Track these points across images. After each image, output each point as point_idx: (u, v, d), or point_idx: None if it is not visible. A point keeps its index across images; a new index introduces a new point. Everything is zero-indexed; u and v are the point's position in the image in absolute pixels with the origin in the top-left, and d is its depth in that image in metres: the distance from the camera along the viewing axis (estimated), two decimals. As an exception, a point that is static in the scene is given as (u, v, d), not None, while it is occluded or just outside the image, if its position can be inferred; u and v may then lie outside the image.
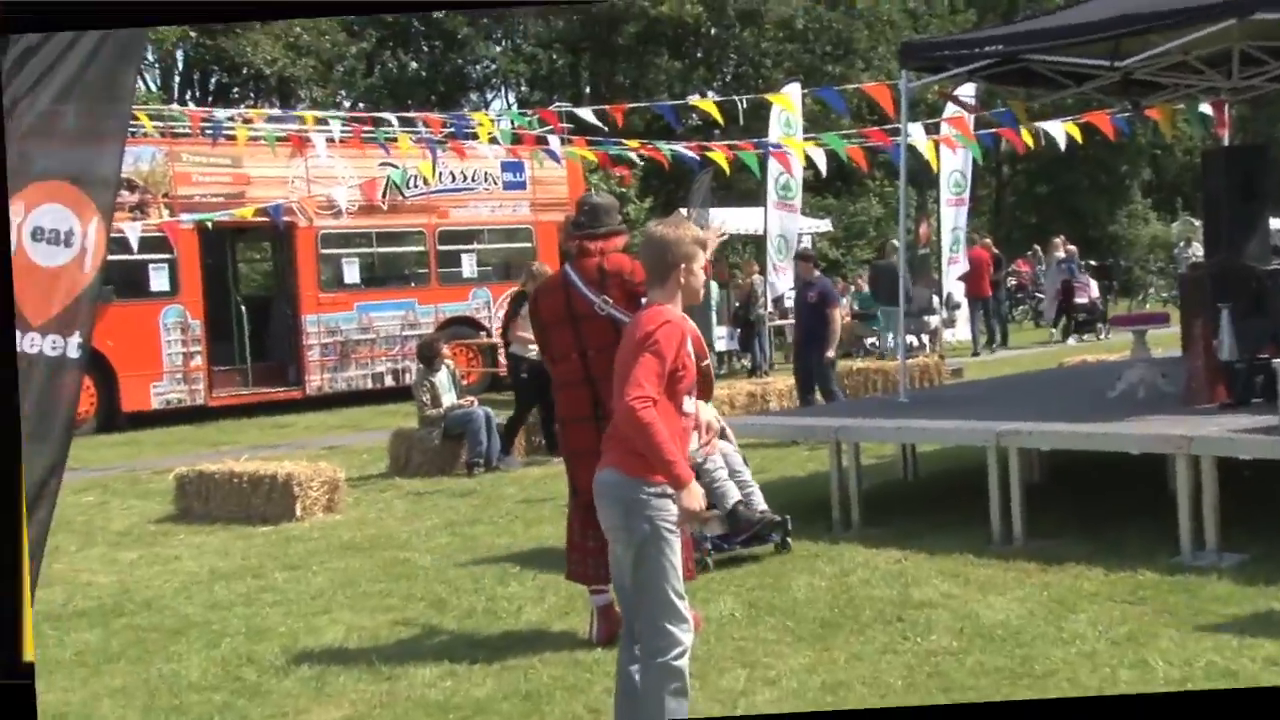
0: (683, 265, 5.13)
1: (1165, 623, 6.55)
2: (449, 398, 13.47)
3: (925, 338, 23.55)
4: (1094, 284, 27.32)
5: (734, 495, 8.28)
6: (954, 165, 22.21)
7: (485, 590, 8.10)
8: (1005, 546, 8.34)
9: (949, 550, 8.26)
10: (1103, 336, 25.76)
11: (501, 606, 7.68)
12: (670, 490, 4.93)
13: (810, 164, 20.29)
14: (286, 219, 18.77)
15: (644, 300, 5.49)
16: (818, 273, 14.57)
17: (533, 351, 12.17)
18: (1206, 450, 7.66)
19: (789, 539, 8.54)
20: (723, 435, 8.77)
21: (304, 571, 8.98)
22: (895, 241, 24.56)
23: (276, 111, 21.54)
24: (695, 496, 4.93)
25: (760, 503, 8.48)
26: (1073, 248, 29.16)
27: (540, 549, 9.20)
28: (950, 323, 25.50)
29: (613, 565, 5.18)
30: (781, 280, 21.54)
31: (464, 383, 15.16)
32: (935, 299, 23.54)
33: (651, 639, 4.97)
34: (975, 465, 9.59)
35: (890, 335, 22.53)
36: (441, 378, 13.52)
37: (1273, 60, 11.40)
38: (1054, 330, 27.22)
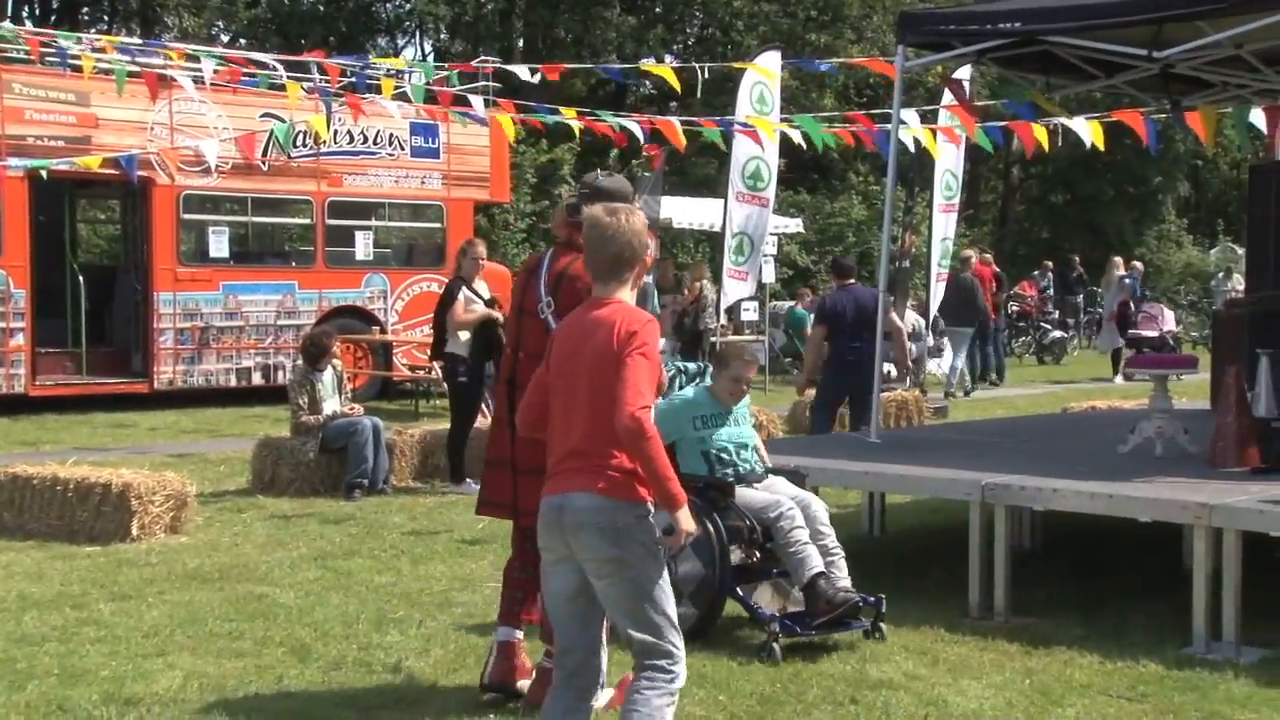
0: (642, 261, 5.26)
1: (1167, 725, 6.67)
2: (331, 404, 13.44)
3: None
4: (1168, 313, 27.31)
5: (815, 565, 7.91)
6: (946, 164, 22.43)
7: (358, 637, 8.10)
8: (984, 622, 8.45)
9: (916, 622, 8.35)
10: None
11: (377, 658, 7.69)
12: (650, 512, 5.16)
13: (784, 150, 20.37)
14: (142, 174, 18.59)
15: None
16: (852, 281, 14.49)
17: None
18: (1230, 523, 7.77)
19: (882, 624, 8.12)
20: (799, 480, 8.52)
21: (137, 603, 8.93)
22: (968, 251, 25.00)
23: (136, 41, 21.27)
24: (690, 518, 5.18)
25: (843, 576, 8.10)
26: (1138, 264, 29.41)
27: (428, 591, 9.22)
28: (937, 351, 25.69)
29: (567, 603, 5.29)
30: (744, 287, 21.62)
31: (349, 387, 15.12)
32: (919, 321, 23.73)
33: (657, 662, 5.16)
34: (955, 524, 9.71)
35: (954, 361, 23.18)
36: (326, 379, 13.49)
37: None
38: (1114, 373, 26.97)
